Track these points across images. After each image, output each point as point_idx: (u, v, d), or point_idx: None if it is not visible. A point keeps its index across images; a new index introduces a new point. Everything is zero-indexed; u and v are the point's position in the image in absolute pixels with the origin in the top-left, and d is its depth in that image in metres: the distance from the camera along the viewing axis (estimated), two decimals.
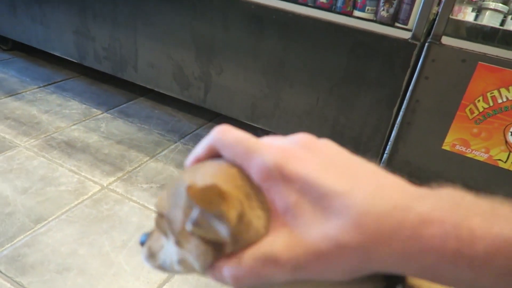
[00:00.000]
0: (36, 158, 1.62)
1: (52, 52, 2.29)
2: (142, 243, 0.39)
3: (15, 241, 1.23)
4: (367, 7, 1.58)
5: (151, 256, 0.37)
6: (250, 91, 1.80)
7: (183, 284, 1.19)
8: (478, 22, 1.51)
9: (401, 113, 1.50)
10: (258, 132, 1.93)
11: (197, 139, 1.93)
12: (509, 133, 1.37)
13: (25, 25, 2.28)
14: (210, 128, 2.03)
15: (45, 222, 1.31)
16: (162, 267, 0.37)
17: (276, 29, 1.66)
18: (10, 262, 1.16)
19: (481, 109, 1.37)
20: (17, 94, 2.09)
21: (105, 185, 1.52)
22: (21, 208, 1.36)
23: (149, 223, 1.37)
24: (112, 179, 1.56)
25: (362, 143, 1.62)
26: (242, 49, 1.76)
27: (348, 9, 1.62)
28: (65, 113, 1.98)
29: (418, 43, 1.44)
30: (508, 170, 1.41)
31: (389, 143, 1.55)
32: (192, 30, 1.84)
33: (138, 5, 1.92)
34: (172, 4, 1.83)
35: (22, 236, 1.25)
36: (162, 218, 0.34)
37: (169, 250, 0.35)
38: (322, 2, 1.64)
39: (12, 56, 2.53)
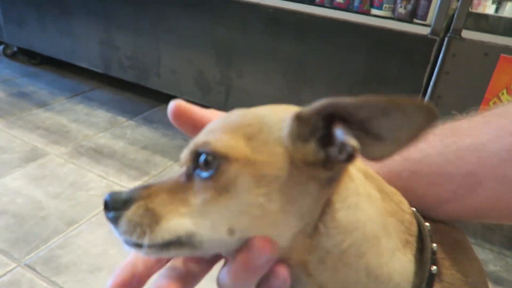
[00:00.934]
0: (66, 165, 1.69)
1: (78, 64, 2.38)
2: (114, 218, 0.32)
3: (49, 243, 1.29)
4: (384, 5, 1.58)
5: (142, 229, 0.31)
6: (270, 93, 1.83)
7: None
8: (499, 15, 1.49)
9: None
10: None
11: None
12: None
13: (53, 39, 2.38)
14: None
15: (77, 224, 1.37)
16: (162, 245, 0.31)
17: (294, 31, 1.68)
18: (46, 262, 1.21)
19: (505, 102, 1.35)
20: (47, 105, 2.18)
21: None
22: (54, 211, 1.42)
23: None
24: (139, 183, 1.61)
25: None
26: (261, 52, 1.79)
27: (365, 8, 1.63)
28: (92, 122, 2.05)
29: (438, 38, 1.43)
30: None
31: None
32: (212, 36, 1.88)
33: (159, 14, 1.98)
34: (192, 11, 1.88)
35: (56, 238, 1.30)
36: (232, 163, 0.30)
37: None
38: (339, 2, 1.65)
39: (41, 69, 2.64)
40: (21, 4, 2.39)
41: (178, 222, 0.31)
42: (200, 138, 0.33)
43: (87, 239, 1.31)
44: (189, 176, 0.32)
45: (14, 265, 1.20)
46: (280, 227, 0.31)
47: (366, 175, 0.35)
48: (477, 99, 1.39)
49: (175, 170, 1.72)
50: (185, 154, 0.34)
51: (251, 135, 0.31)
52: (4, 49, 2.70)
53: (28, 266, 1.20)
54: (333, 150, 0.29)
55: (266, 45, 1.76)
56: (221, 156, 0.30)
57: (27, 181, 1.56)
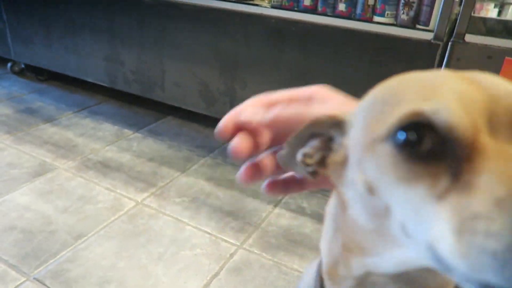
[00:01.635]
0: (74, 178, 1.70)
1: (84, 79, 2.41)
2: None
3: (58, 256, 1.29)
4: (386, 12, 1.59)
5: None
6: None
7: None
8: (502, 18, 1.50)
9: None
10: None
11: (225, 153, 1.97)
12: None
13: (59, 56, 2.41)
14: None
15: (85, 238, 1.37)
16: None
17: (297, 41, 1.69)
18: (55, 276, 1.21)
19: None
20: (54, 120, 2.20)
21: (139, 200, 1.58)
22: (63, 225, 1.42)
23: (183, 235, 1.40)
24: (146, 194, 1.61)
25: None
26: (265, 63, 1.80)
27: (368, 16, 1.64)
28: (99, 135, 2.07)
29: (441, 43, 1.44)
30: None
31: None
32: (215, 48, 1.90)
33: (163, 29, 2.00)
34: (195, 24, 1.91)
35: (64, 252, 1.30)
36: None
37: None
38: (341, 11, 1.66)
39: (48, 85, 2.68)
40: (28, 22, 2.44)
41: None
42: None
43: (96, 252, 1.31)
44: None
45: (23, 279, 1.20)
46: None
47: None
48: None
49: (182, 181, 1.72)
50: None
51: None
52: (11, 66, 2.75)
53: (38, 280, 1.20)
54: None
55: (269, 55, 1.77)
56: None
57: (35, 196, 1.57)
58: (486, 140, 0.23)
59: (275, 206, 1.58)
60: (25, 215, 1.46)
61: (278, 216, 1.52)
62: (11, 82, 2.69)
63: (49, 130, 2.09)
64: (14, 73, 2.77)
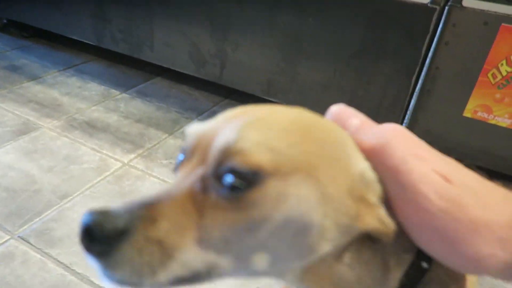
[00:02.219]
0: (59, 138, 1.67)
1: (70, 36, 2.32)
2: (101, 253, 0.25)
3: (42, 215, 1.28)
4: None
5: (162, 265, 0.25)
6: (266, 66, 1.79)
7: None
8: None
9: (420, 81, 1.46)
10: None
11: (214, 115, 1.93)
12: None
13: (43, 11, 2.31)
14: (226, 105, 2.02)
15: (70, 198, 1.36)
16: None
17: (291, 2, 1.63)
18: (39, 235, 1.21)
19: (504, 73, 1.33)
20: (38, 78, 2.14)
21: (126, 162, 1.56)
22: (47, 185, 1.41)
23: None
24: (133, 156, 1.60)
25: (381, 114, 1.60)
26: (257, 24, 1.74)
27: None
28: (85, 95, 2.02)
29: (438, 7, 1.39)
30: None
31: (408, 112, 1.51)
32: (207, 8, 1.83)
33: None
34: None
35: (49, 211, 1.30)
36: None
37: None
38: None
39: (32, 42, 2.58)
40: None
41: (196, 254, 0.25)
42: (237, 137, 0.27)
43: (81, 212, 1.30)
44: (206, 185, 0.27)
45: (7, 237, 1.20)
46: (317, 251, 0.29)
47: None
48: (476, 70, 1.37)
49: (170, 143, 1.70)
50: (212, 151, 0.27)
51: None
52: None
53: (22, 238, 1.20)
54: None
55: (262, 17, 1.71)
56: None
57: (19, 154, 1.54)
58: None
59: None
60: (8, 173, 1.44)
61: None
62: None
63: (34, 88, 2.03)
64: None
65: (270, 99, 1.84)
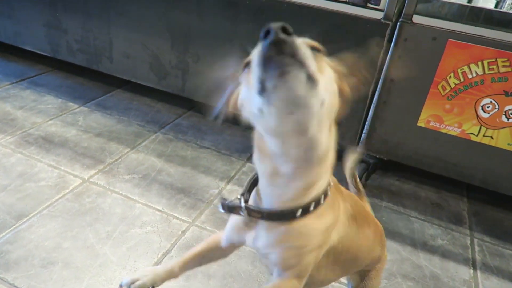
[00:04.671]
0: (13, 154, 1.59)
1: (23, 47, 2.23)
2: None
3: None
4: None
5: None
6: None
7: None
8: (448, 0, 1.55)
9: (376, 92, 1.53)
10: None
11: (177, 128, 1.93)
12: (480, 107, 1.42)
13: None
14: (189, 117, 2.01)
15: (27, 218, 1.30)
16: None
17: (251, 14, 1.66)
18: None
19: (452, 85, 1.41)
20: None
21: (86, 178, 1.51)
22: (1, 205, 1.34)
23: (133, 213, 1.37)
24: (93, 172, 1.55)
25: (342, 124, 1.65)
26: (219, 36, 1.75)
27: None
28: (40, 109, 1.95)
29: (390, 23, 1.47)
30: (480, 143, 1.46)
31: (367, 122, 1.58)
32: (167, 19, 1.82)
33: None
34: None
35: (3, 233, 1.23)
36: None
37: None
38: None
39: None
40: None
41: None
42: None
43: (39, 233, 1.25)
44: None
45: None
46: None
47: None
48: (427, 83, 1.45)
49: (132, 158, 1.67)
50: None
51: None
52: None
53: None
54: None
55: (224, 28, 1.73)
56: None
57: None
58: None
59: (228, 182, 1.58)
60: None
61: (231, 193, 1.52)
62: None
63: None
64: None
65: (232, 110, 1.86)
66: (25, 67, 2.34)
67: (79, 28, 2.03)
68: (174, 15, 1.80)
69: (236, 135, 1.92)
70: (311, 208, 0.65)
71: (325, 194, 0.67)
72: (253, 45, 1.72)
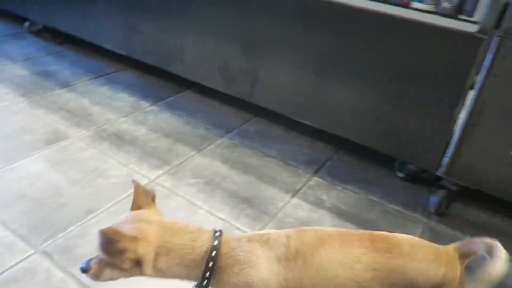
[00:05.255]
0: (87, 149, 1.65)
1: (102, 45, 2.33)
2: (83, 270, 0.80)
3: (67, 231, 1.26)
4: None
5: (95, 277, 0.78)
6: (299, 86, 1.75)
7: None
8: None
9: (466, 113, 1.39)
10: (308, 130, 1.88)
11: (243, 134, 1.90)
12: None
13: (76, 19, 2.33)
14: (256, 124, 1.98)
15: (95, 213, 1.33)
16: (102, 280, 0.77)
17: (327, 23, 1.59)
18: (63, 252, 1.18)
19: None
20: (70, 86, 2.15)
21: (152, 178, 1.53)
22: (73, 198, 1.38)
23: (196, 219, 1.35)
24: (160, 172, 1.57)
25: (420, 145, 1.53)
26: (292, 44, 1.70)
27: (406, 0, 1.52)
28: (115, 105, 2.02)
29: (486, 37, 1.32)
30: None
31: (452, 145, 1.44)
32: (240, 24, 1.80)
33: (187, 2, 1.90)
34: (221, 0, 1.80)
35: (74, 227, 1.27)
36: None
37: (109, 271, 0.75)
38: None
39: (65, 49, 2.61)
40: None
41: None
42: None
43: None
44: None
45: (31, 251, 1.18)
46: None
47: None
48: None
49: (197, 161, 1.67)
50: None
51: None
52: (29, 26, 2.68)
53: (46, 253, 1.17)
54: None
55: (297, 36, 1.67)
56: None
57: (47, 164, 1.53)
58: None
59: (293, 196, 1.52)
60: (36, 183, 1.43)
61: (296, 207, 1.46)
62: (28, 42, 2.63)
63: (65, 96, 2.04)
64: (32, 33, 2.70)
65: (302, 121, 1.80)
66: (103, 64, 2.45)
67: (154, 30, 2.08)
68: (248, 21, 1.77)
69: (304, 146, 1.86)
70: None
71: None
72: (326, 55, 1.62)
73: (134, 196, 0.82)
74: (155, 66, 2.18)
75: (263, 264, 0.73)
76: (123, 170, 1.56)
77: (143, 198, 0.83)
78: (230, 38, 1.86)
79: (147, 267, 0.71)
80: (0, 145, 1.61)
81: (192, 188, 1.50)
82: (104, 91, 2.15)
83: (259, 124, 2.00)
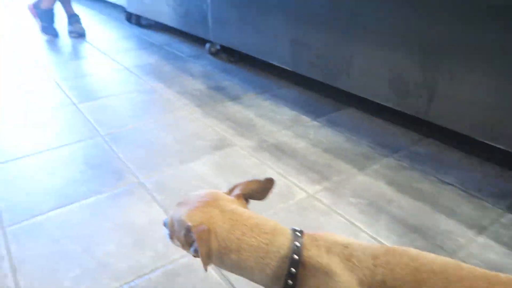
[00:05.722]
0: (249, 157, 1.68)
1: (269, 61, 2.41)
2: (164, 224, 0.78)
3: None
4: None
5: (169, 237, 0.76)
6: (491, 101, 1.44)
7: None
8: None
9: None
10: (498, 155, 1.53)
11: (413, 156, 1.67)
12: None
13: (250, 37, 2.48)
14: (429, 145, 1.71)
15: None
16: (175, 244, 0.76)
17: None
18: None
19: None
20: (238, 99, 2.27)
21: (311, 192, 1.44)
22: None
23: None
24: (319, 187, 1.47)
25: None
26: (484, 49, 1.42)
27: None
28: (276, 119, 2.03)
29: None
30: None
31: None
32: (419, 31, 1.61)
33: (356, 9, 1.81)
34: (395, 5, 1.64)
35: None
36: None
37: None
38: None
39: (237, 66, 2.81)
40: (226, 5, 2.58)
41: None
42: None
43: None
44: None
45: None
46: None
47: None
48: None
49: (359, 180, 1.52)
50: None
51: None
52: (209, 47, 2.98)
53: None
54: None
55: (492, 40, 1.39)
56: None
57: (212, 168, 1.60)
58: None
59: (479, 233, 1.23)
60: (202, 185, 1.50)
61: (484, 248, 1.17)
62: (207, 61, 2.92)
63: (233, 108, 2.16)
64: (211, 53, 3.00)
65: (492, 143, 1.47)
66: (268, 81, 2.54)
67: (321, 43, 2.04)
68: (428, 26, 1.57)
69: (491, 175, 1.52)
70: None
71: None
72: None
73: (249, 183, 0.77)
74: (318, 83, 2.13)
75: (346, 284, 0.58)
76: (281, 180, 1.51)
77: (251, 187, 0.77)
78: (404, 46, 1.68)
79: (204, 262, 0.63)
80: (177, 147, 1.77)
81: (353, 208, 1.35)
82: (267, 105, 2.20)
83: (432, 146, 1.74)
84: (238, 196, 0.75)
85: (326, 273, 0.60)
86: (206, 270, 0.64)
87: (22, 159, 1.69)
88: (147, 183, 1.53)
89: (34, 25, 3.79)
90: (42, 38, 3.54)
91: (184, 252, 1.18)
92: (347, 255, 0.61)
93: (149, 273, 1.12)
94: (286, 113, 2.10)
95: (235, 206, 0.72)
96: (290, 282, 0.62)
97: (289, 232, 0.67)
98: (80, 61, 3.00)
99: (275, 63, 2.38)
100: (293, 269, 0.62)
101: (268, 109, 2.15)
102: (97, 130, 1.93)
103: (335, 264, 0.60)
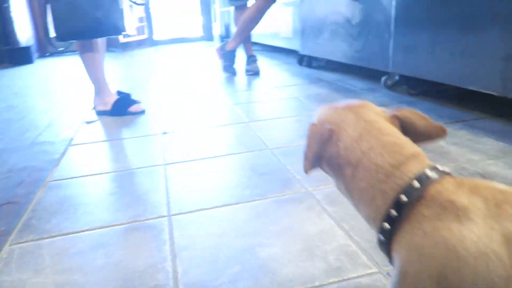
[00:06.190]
0: None
1: (468, 87, 2.03)
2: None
3: None
4: None
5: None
6: None
7: None
8: None
9: None
10: None
11: None
12: None
13: (441, 62, 2.15)
14: None
15: None
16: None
17: None
18: None
19: None
20: None
21: None
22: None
23: None
24: None
25: None
26: None
27: None
28: (477, 148, 1.63)
29: None
30: None
31: None
32: None
33: None
34: None
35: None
36: None
37: None
38: None
39: (416, 99, 2.50)
40: (415, 29, 2.33)
41: None
42: None
43: None
44: None
45: (375, 269, 0.93)
46: None
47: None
48: None
49: None
50: None
51: None
52: (386, 80, 2.75)
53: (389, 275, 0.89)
54: None
55: None
56: None
57: None
58: None
59: None
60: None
61: None
62: (382, 94, 2.68)
63: None
64: (387, 86, 2.75)
65: None
66: (460, 111, 2.14)
67: None
68: None
69: None
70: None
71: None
72: None
73: (417, 114, 0.64)
74: None
75: (481, 240, 0.39)
76: None
77: (416, 118, 0.63)
78: None
79: (305, 164, 0.58)
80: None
81: None
82: (462, 134, 1.81)
83: None
84: (393, 116, 0.61)
85: (457, 217, 0.42)
86: (306, 172, 0.58)
87: (195, 161, 1.71)
88: (316, 194, 1.33)
89: (217, 65, 4.22)
90: (222, 75, 3.88)
91: (364, 270, 0.92)
92: (500, 200, 0.42)
93: (319, 287, 0.88)
94: (489, 143, 1.67)
95: (379, 119, 0.58)
96: (392, 212, 0.48)
97: (430, 164, 0.52)
98: (253, 91, 3.13)
99: (476, 89, 1.99)
100: (403, 197, 0.48)
101: (464, 138, 1.76)
102: (266, 144, 1.86)
103: (475, 209, 0.42)
